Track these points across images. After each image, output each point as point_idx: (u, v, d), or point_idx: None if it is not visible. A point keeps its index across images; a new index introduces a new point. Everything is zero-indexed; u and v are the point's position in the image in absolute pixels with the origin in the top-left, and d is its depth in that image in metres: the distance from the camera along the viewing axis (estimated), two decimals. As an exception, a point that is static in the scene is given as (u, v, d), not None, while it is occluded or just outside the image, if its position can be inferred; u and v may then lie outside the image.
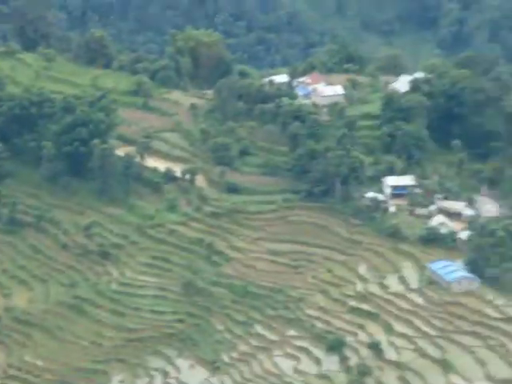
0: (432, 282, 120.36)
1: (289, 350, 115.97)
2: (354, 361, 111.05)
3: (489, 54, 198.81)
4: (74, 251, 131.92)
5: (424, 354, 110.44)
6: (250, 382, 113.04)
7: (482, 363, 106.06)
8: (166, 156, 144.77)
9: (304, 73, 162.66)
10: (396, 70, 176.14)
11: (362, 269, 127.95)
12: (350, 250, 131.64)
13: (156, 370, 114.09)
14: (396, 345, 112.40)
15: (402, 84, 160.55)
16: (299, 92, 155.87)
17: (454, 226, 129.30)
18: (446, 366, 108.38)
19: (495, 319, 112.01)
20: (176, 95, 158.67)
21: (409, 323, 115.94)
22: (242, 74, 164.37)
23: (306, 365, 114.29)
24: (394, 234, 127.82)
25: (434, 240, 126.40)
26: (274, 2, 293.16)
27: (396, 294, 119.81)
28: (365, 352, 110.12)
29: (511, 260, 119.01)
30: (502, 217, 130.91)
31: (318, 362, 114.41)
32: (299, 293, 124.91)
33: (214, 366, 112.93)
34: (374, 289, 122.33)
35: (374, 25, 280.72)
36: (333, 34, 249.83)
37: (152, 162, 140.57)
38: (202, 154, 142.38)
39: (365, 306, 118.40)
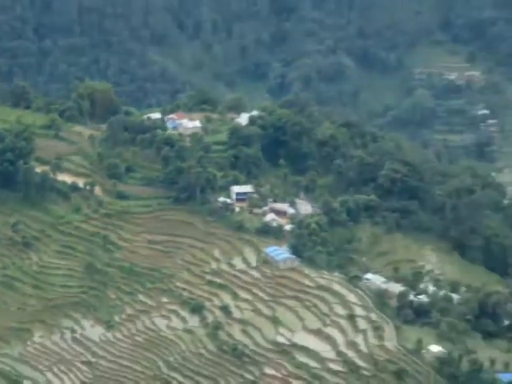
0: (266, 261, 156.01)
1: (163, 313, 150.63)
2: (210, 319, 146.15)
3: (303, 98, 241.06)
4: (4, 242, 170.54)
5: (260, 313, 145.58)
6: (135, 336, 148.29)
7: (301, 319, 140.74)
8: (72, 172, 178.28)
9: (172, 111, 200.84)
10: (238, 109, 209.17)
11: (216, 253, 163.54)
12: (207, 239, 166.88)
13: (67, 328, 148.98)
14: (240, 307, 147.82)
15: (243, 119, 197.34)
16: (169, 125, 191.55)
17: (281, 221, 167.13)
18: (275, 321, 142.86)
19: (310, 287, 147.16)
20: (79, 128, 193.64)
21: (249, 291, 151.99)
22: (127, 113, 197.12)
23: (176, 323, 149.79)
24: (239, 228, 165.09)
25: (267, 231, 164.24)
26: (149, 59, 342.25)
27: (240, 271, 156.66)
28: (218, 313, 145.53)
29: (321, 245, 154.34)
30: (315, 214, 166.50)
31: (184, 320, 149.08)
32: (171, 271, 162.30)
33: (109, 325, 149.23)
34: (225, 267, 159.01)
35: (222, 76, 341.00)
36: (192, 83, 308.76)
37: (62, 177, 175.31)
38: (98, 171, 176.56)
39: (218, 280, 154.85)
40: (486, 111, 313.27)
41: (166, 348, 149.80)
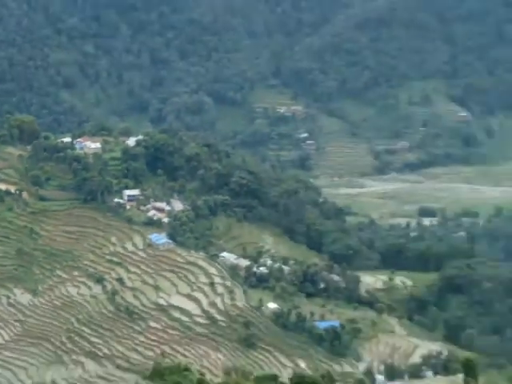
0: (150, 245, 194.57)
1: (75, 283, 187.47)
2: (109, 287, 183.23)
3: (175, 127, 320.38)
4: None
5: (146, 283, 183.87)
6: (54, 301, 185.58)
7: (175, 286, 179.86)
8: (6, 182, 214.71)
9: (79, 136, 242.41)
10: (128, 134, 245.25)
11: (113, 239, 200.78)
12: (106, 229, 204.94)
13: (3, 295, 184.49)
14: (131, 278, 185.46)
15: (131, 142, 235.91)
16: (77, 147, 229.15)
17: (160, 215, 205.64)
18: (157, 288, 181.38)
19: (182, 263, 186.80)
20: (11, 149, 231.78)
21: (138, 267, 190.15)
22: (46, 138, 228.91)
23: (84, 290, 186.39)
24: (129, 220, 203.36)
25: (150, 223, 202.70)
26: (62, 99, 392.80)
27: (131, 252, 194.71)
28: (115, 283, 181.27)
29: (190, 232, 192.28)
30: (185, 210, 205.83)
31: (90, 289, 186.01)
32: (80, 253, 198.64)
33: (35, 293, 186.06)
34: (119, 249, 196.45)
35: (115, 111, 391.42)
36: (93, 116, 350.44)
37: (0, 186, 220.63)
38: (25, 180, 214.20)
39: (114, 259, 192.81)
40: (306, 135, 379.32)
41: (77, 309, 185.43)
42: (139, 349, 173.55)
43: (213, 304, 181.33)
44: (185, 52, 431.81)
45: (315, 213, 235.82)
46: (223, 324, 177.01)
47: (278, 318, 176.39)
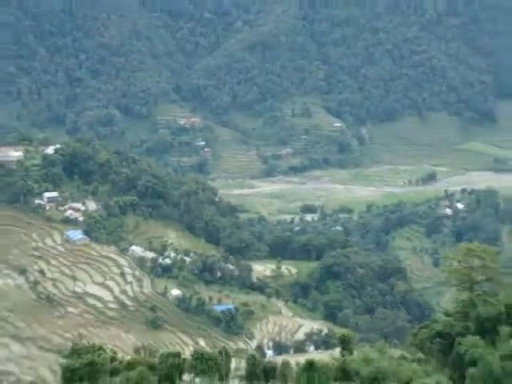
0: (68, 240, 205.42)
1: (0, 275, 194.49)
2: (31, 278, 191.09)
3: (88, 136, 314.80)
4: None
5: (64, 273, 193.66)
6: None
7: (90, 276, 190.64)
8: None
9: (3, 146, 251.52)
10: (47, 144, 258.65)
11: (35, 235, 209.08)
12: (29, 227, 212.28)
13: None
14: (51, 270, 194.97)
15: (50, 150, 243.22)
16: (1, 155, 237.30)
17: (76, 215, 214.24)
18: (74, 278, 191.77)
19: (96, 256, 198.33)
20: None
21: (57, 260, 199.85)
22: None
23: (8, 281, 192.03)
24: (49, 219, 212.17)
25: (68, 221, 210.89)
26: None
27: (51, 247, 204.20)
28: (37, 274, 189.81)
29: (103, 229, 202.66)
30: (98, 209, 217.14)
31: (15, 279, 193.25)
32: (6, 248, 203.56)
33: None
34: (41, 244, 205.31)
35: (36, 123, 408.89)
36: (16, 128, 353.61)
37: None
38: None
39: (36, 253, 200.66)
40: (203, 143, 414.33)
41: (3, 297, 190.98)
42: (59, 331, 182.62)
43: (123, 291, 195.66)
44: (96, 71, 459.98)
45: (212, 210, 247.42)
46: (132, 309, 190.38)
47: (181, 302, 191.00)
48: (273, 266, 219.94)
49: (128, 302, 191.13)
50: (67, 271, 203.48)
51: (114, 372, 70.68)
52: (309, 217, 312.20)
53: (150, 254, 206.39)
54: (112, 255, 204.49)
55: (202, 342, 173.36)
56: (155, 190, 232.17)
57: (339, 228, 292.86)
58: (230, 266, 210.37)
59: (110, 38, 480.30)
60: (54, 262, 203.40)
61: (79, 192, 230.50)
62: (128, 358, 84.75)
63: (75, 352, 77.01)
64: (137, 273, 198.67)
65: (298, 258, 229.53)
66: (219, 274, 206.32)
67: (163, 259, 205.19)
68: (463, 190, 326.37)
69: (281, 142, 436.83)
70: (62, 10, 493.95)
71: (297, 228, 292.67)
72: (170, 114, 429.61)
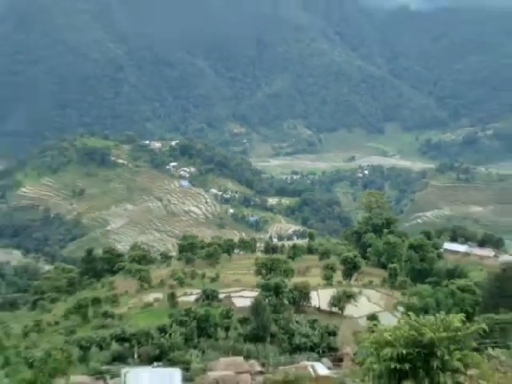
0: (181, 186, 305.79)
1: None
2: (164, 203, 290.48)
3: (191, 138, 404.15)
4: None
5: (179, 201, 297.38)
6: None
7: (192, 203, 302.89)
8: None
9: None
10: (172, 140, 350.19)
11: (166, 182, 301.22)
12: (163, 179, 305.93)
13: None
14: (173, 199, 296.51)
15: (173, 143, 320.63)
16: None
17: (186, 174, 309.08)
18: (190, 204, 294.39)
19: (194, 193, 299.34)
20: None
21: (176, 194, 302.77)
22: None
23: (153, 203, 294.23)
24: (172, 175, 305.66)
25: (181, 176, 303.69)
26: None
27: (173, 189, 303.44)
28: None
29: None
30: (195, 172, 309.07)
31: (155, 203, 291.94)
32: (152, 187, 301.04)
33: None
34: (168, 187, 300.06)
35: None
36: (160, 134, 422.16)
37: None
38: None
39: (166, 191, 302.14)
40: (245, 140, 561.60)
41: (149, 212, 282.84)
42: (177, 228, 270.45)
43: (207, 210, 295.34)
44: (198, 107, 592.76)
45: (249, 172, 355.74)
46: (211, 218, 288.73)
47: (234, 216, 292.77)
48: (277, 199, 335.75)
49: (209, 215, 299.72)
50: (203, 200, 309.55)
51: (202, 247, 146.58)
52: (295, 176, 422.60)
53: (219, 193, 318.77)
54: (202, 193, 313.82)
55: (243, 235, 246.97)
56: (222, 162, 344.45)
57: (309, 182, 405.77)
58: (257, 199, 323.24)
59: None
60: (174, 195, 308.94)
61: (187, 162, 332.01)
62: (208, 241, 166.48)
63: (185, 238, 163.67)
64: (213, 201, 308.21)
65: (290, 195, 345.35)
66: (252, 203, 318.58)
67: (225, 195, 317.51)
68: (368, 165, 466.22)
69: (283, 140, 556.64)
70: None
71: (289, 181, 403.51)
72: (230, 127, 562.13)
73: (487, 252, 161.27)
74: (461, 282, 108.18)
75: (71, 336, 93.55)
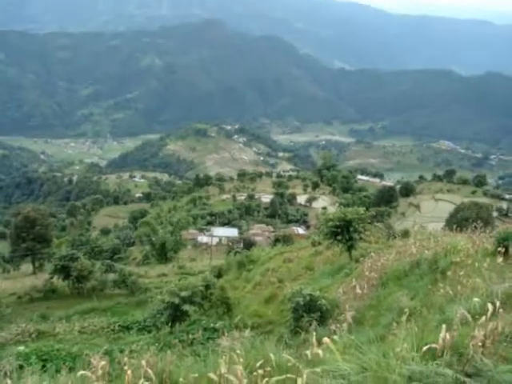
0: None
1: None
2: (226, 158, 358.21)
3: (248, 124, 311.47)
4: None
5: (236, 152, 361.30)
6: None
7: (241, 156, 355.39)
8: None
9: None
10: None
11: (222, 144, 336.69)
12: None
13: None
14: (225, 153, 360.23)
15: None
16: None
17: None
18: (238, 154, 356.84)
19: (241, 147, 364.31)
20: None
21: (236, 151, 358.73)
22: None
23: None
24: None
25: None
26: None
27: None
28: None
29: None
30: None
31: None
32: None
33: None
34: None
35: None
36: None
37: None
38: None
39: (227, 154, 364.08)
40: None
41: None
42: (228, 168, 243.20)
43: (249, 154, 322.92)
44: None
45: None
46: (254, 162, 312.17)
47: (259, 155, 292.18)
48: (283, 154, 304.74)
49: (251, 160, 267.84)
50: (249, 153, 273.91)
51: (248, 174, 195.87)
52: (291, 143, 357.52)
53: (256, 150, 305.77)
54: (248, 150, 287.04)
55: (267, 169, 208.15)
56: (257, 136, 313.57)
57: (297, 146, 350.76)
58: (273, 153, 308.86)
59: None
60: (235, 151, 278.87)
61: (242, 135, 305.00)
62: (250, 171, 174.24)
63: (240, 171, 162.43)
64: (253, 154, 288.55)
65: (288, 152, 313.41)
66: (271, 155, 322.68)
67: (259, 151, 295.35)
68: (324, 139, 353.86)
69: (285, 126, 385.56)
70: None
71: (288, 146, 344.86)
72: (262, 119, 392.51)
73: (376, 180, 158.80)
74: (364, 193, 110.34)
75: (189, 212, 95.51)
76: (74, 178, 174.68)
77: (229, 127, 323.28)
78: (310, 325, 9.10)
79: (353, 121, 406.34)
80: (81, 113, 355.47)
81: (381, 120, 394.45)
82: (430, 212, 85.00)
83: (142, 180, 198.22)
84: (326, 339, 4.22)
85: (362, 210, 20.92)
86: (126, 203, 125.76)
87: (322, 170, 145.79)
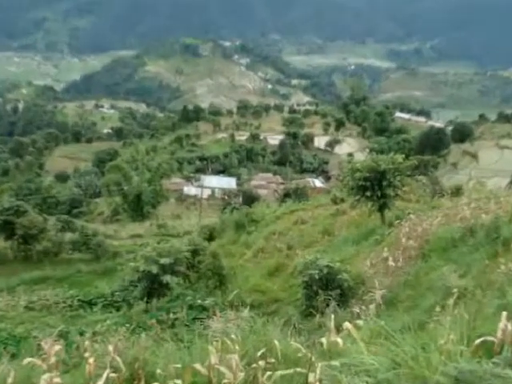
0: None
1: None
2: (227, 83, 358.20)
3: None
4: None
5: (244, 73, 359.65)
6: None
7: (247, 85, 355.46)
8: None
9: None
10: None
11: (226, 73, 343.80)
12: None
13: None
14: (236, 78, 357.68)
15: None
16: None
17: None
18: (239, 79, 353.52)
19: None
20: None
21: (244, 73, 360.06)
22: None
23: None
24: None
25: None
26: None
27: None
28: None
29: None
30: None
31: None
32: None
33: None
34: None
35: None
36: None
37: None
38: None
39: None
40: None
41: None
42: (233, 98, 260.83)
43: (257, 86, 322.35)
44: None
45: None
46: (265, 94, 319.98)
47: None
48: (298, 81, 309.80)
49: (256, 89, 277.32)
50: (253, 79, 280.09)
51: (251, 107, 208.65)
52: (309, 67, 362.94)
53: (263, 75, 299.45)
54: (252, 75, 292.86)
55: (276, 101, 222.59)
56: (265, 56, 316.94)
57: (317, 72, 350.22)
58: (285, 80, 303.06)
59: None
60: (236, 75, 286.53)
61: (245, 55, 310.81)
62: (255, 104, 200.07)
63: (241, 102, 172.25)
64: (259, 80, 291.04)
65: (305, 79, 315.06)
66: (282, 82, 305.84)
67: (266, 77, 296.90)
68: (354, 63, 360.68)
69: (302, 44, 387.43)
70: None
71: (306, 70, 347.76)
72: (272, 35, 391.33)
73: (421, 119, 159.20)
74: (404, 136, 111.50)
75: (173, 156, 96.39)
76: (20, 106, 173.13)
77: (227, 44, 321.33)
78: (327, 305, 9.34)
79: (393, 39, 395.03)
80: (29, 17, 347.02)
81: (430, 39, 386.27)
82: (492, 164, 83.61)
83: (111, 111, 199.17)
84: (347, 324, 4.25)
85: (399, 158, 20.87)
86: (89, 141, 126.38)
87: (348, 105, 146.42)
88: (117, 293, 19.05)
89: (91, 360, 4.17)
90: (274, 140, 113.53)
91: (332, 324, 4.54)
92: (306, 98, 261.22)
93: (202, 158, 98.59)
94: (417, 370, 3.59)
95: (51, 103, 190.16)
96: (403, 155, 22.22)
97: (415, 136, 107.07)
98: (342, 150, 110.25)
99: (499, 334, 3.85)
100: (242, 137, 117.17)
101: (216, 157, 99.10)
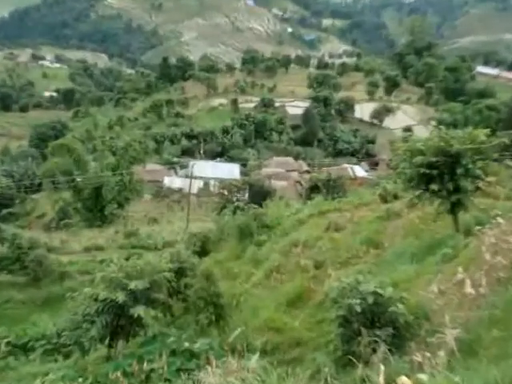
0: None
1: None
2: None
3: None
4: None
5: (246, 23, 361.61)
6: None
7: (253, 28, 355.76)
8: None
9: None
10: None
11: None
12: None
13: None
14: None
15: None
16: None
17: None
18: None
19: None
20: None
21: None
22: None
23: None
24: None
25: None
26: None
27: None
28: None
29: None
30: None
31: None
32: None
33: None
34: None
35: None
36: None
37: None
38: None
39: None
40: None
41: None
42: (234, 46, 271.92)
43: (269, 29, 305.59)
44: None
45: None
46: (272, 35, 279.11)
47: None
48: (331, 21, 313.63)
49: (270, 33, 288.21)
50: (265, 18, 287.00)
51: (262, 61, 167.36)
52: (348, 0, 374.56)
53: (280, 13, 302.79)
54: (265, 12, 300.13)
55: (299, 52, 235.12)
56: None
57: (360, 6, 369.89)
58: (313, 20, 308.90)
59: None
60: (240, 13, 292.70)
61: None
62: (268, 55, 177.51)
63: (247, 52, 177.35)
64: (274, 20, 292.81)
65: (342, 18, 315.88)
66: (308, 23, 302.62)
67: (285, 15, 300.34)
68: None
69: None
70: None
71: (343, 5, 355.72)
72: None
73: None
74: (489, 101, 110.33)
75: (147, 131, 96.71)
76: None
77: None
78: (374, 350, 9.31)
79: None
80: None
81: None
82: None
83: (56, 65, 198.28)
84: (404, 380, 4.31)
85: (482, 134, 20.53)
86: (24, 109, 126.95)
87: (406, 56, 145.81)
88: (65, 332, 18.82)
89: None
90: (296, 109, 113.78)
91: (381, 379, 4.54)
92: (344, 47, 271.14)
93: (190, 136, 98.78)
94: None
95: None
96: (487, 130, 21.94)
97: (506, 101, 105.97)
98: (396, 122, 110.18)
99: None
100: (250, 104, 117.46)
101: (211, 133, 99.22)
